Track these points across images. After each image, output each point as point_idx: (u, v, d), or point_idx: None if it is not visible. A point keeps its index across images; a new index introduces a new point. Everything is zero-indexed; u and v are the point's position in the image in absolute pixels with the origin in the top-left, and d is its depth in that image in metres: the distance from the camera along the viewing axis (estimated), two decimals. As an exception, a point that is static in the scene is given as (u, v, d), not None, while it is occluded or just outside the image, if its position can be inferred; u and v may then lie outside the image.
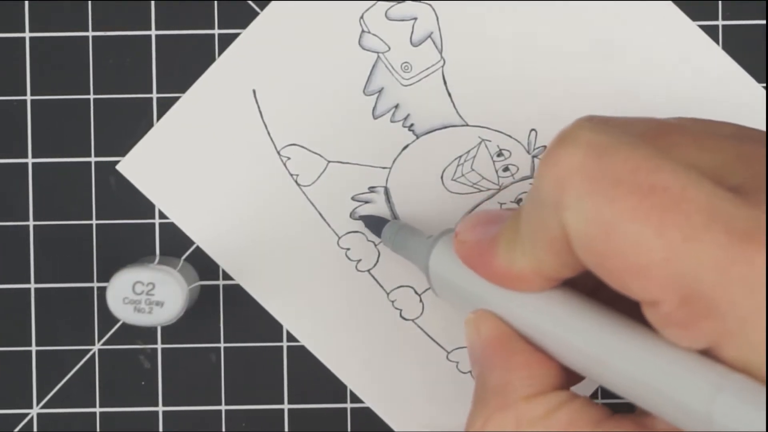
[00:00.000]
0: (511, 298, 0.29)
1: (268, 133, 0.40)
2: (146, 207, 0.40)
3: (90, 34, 0.39)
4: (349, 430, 0.40)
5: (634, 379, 0.26)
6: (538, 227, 0.27)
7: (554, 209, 0.26)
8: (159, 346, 0.40)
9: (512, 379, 0.28)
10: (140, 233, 0.40)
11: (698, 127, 0.28)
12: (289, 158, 0.40)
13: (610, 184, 0.25)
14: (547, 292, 0.29)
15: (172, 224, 0.40)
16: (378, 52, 0.39)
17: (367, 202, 0.40)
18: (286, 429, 0.40)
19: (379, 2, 0.39)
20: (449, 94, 0.39)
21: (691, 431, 0.24)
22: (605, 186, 0.25)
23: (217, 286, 0.40)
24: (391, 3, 0.39)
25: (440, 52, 0.39)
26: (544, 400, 0.27)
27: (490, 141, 0.40)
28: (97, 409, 0.40)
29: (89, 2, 0.39)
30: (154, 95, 0.40)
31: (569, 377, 0.29)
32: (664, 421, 0.26)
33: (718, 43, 0.39)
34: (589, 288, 0.29)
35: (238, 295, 0.40)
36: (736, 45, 0.39)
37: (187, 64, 0.39)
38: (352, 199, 0.40)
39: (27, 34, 0.39)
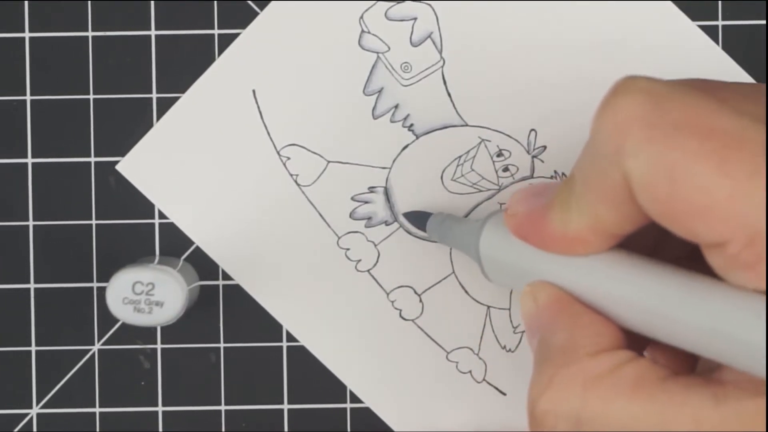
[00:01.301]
0: (568, 264, 0.29)
1: (268, 133, 0.40)
2: (146, 207, 0.40)
3: (90, 34, 0.39)
4: (348, 430, 0.40)
5: (704, 328, 0.26)
6: (596, 181, 0.27)
7: (614, 158, 0.26)
8: (159, 346, 0.40)
9: (576, 338, 0.28)
10: (140, 233, 0.40)
11: (742, 85, 0.29)
12: (289, 158, 0.40)
13: (670, 128, 0.25)
14: (603, 254, 0.28)
15: (172, 224, 0.40)
16: (378, 52, 0.39)
17: (367, 202, 0.40)
18: (286, 429, 0.40)
19: (379, 2, 0.39)
20: (449, 94, 0.39)
21: (764, 376, 0.24)
22: (666, 131, 0.25)
23: (217, 286, 0.40)
24: (391, 3, 0.39)
25: (440, 52, 0.39)
26: (609, 356, 0.27)
27: (490, 141, 0.40)
28: (97, 409, 0.40)
29: (89, 2, 0.39)
30: (154, 95, 0.40)
31: (630, 342, 0.28)
32: (732, 372, 0.26)
33: (718, 43, 0.39)
34: (646, 250, 0.29)
35: (238, 295, 0.40)
36: (736, 45, 0.39)
37: (187, 64, 0.39)
38: (352, 199, 0.40)
39: (27, 34, 0.39)
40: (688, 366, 0.29)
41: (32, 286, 0.40)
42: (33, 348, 0.40)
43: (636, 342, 0.29)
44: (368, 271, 0.40)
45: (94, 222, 0.40)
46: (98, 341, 0.40)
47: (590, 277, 0.29)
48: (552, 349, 0.28)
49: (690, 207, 0.25)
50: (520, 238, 0.30)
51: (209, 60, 0.39)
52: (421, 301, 0.40)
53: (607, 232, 0.28)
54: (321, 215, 0.40)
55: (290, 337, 0.40)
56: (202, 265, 0.40)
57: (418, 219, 0.39)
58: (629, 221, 0.27)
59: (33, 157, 0.40)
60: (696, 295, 0.26)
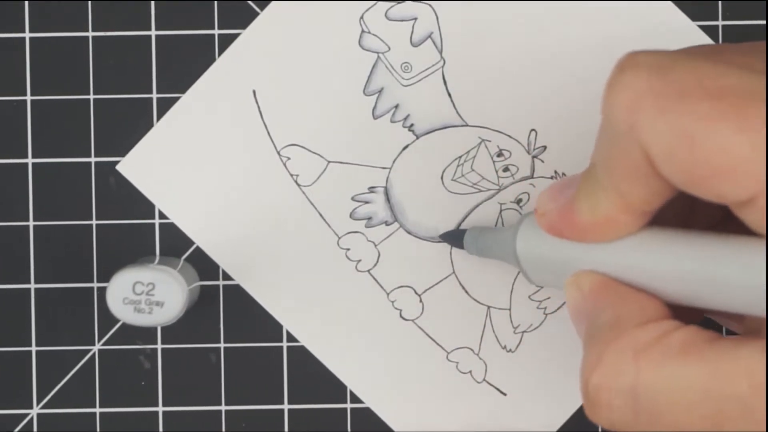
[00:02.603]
0: (605, 250, 0.29)
1: (268, 133, 0.40)
2: (146, 207, 0.40)
3: (90, 34, 0.39)
4: (349, 430, 0.40)
5: (748, 286, 0.26)
6: (617, 161, 0.27)
7: (631, 136, 0.26)
8: (159, 346, 0.40)
9: (623, 313, 0.28)
10: (140, 233, 0.40)
11: (741, 45, 0.29)
12: (289, 158, 0.40)
13: (680, 96, 0.25)
14: (637, 234, 0.29)
15: (172, 224, 0.40)
16: (378, 53, 0.39)
17: (367, 202, 0.40)
18: (286, 429, 0.40)
19: (379, 2, 0.39)
20: (449, 94, 0.39)
21: None
22: (676, 99, 0.25)
23: (217, 286, 0.40)
24: (391, 3, 0.39)
25: (440, 52, 0.39)
26: (656, 326, 0.27)
27: (490, 141, 0.40)
28: (97, 409, 0.40)
29: (89, 2, 0.39)
30: (154, 95, 0.40)
31: (676, 315, 0.29)
32: None
33: (718, 43, 0.39)
34: (679, 224, 0.30)
35: (238, 295, 0.40)
36: (736, 45, 0.39)
37: (187, 64, 0.39)
38: (352, 199, 0.40)
39: (27, 34, 0.39)
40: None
41: (32, 286, 0.40)
42: (33, 348, 0.40)
43: (681, 319, 0.29)
44: (368, 271, 0.40)
45: (94, 222, 0.40)
46: (98, 341, 0.40)
47: (629, 257, 0.29)
48: (599, 328, 0.28)
49: (713, 169, 0.25)
50: (555, 235, 0.31)
51: (209, 60, 0.39)
52: (421, 301, 0.40)
53: (637, 210, 0.28)
54: (321, 215, 0.40)
55: (290, 337, 0.40)
56: (202, 265, 0.40)
57: (454, 237, 0.39)
58: (656, 195, 0.27)
59: (33, 157, 0.40)
60: (733, 254, 0.26)
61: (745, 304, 0.26)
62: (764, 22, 0.39)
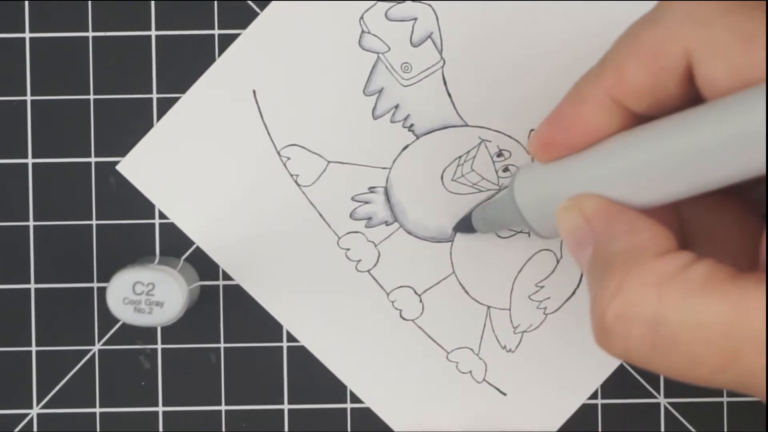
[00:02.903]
0: (599, 163, 0.29)
1: (268, 133, 0.40)
2: (146, 207, 0.40)
3: (90, 34, 0.39)
4: (349, 430, 0.40)
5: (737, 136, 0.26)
6: (642, 47, 0.27)
7: (679, 29, 0.26)
8: (159, 346, 0.40)
9: (639, 241, 0.28)
10: (140, 233, 0.40)
11: None
12: (289, 158, 0.40)
13: (748, 6, 0.26)
14: (622, 133, 0.29)
15: (172, 224, 0.40)
16: (378, 53, 0.39)
17: (367, 202, 0.40)
18: (286, 429, 0.40)
19: (379, 2, 0.39)
20: (449, 94, 0.39)
21: None
22: (744, 7, 0.26)
23: (217, 286, 0.40)
24: (391, 3, 0.39)
25: (440, 52, 0.39)
26: (676, 257, 0.27)
27: (490, 141, 0.40)
28: (97, 409, 0.40)
29: (89, 2, 0.39)
30: (154, 95, 0.40)
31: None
32: None
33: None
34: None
35: (238, 295, 0.40)
36: (736, 45, 0.39)
37: (187, 64, 0.39)
38: (352, 199, 0.40)
39: (27, 34, 0.39)
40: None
41: (32, 286, 0.40)
42: (33, 348, 0.40)
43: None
44: (368, 271, 0.40)
45: (94, 222, 0.40)
46: (98, 341, 0.40)
47: (622, 157, 0.28)
48: (614, 255, 0.28)
49: (762, 72, 0.25)
50: (546, 149, 0.30)
51: (209, 60, 0.39)
52: (421, 301, 0.40)
53: (630, 95, 0.28)
54: (321, 215, 0.40)
55: (290, 337, 0.40)
56: (202, 265, 0.40)
57: (465, 225, 0.39)
58: (655, 91, 0.28)
59: (33, 157, 0.40)
60: (733, 104, 0.26)
61: (737, 168, 0.26)
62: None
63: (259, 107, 0.39)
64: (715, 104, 0.26)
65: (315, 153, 0.40)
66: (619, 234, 0.28)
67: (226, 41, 0.39)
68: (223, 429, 0.40)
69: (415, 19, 0.39)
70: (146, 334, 0.40)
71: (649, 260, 0.27)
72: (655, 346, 0.27)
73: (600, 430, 0.40)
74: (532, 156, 0.31)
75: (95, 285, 0.40)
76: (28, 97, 0.39)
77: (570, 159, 0.30)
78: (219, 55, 0.39)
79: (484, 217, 0.37)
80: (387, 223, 0.40)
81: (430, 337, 0.40)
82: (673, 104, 0.28)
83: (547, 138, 0.31)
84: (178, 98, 0.39)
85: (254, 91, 0.39)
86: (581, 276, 0.40)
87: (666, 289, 0.26)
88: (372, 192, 0.40)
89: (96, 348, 0.40)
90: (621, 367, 0.40)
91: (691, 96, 0.28)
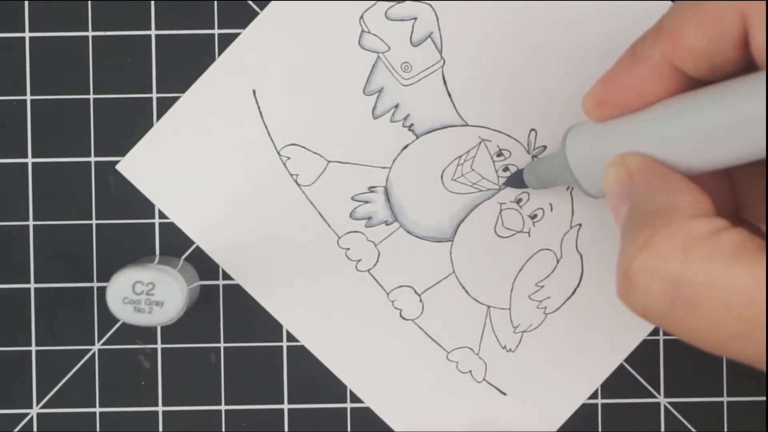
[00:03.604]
0: (650, 124, 0.29)
1: (268, 133, 0.40)
2: (146, 207, 0.40)
3: (90, 34, 0.39)
4: (349, 430, 0.40)
5: None
6: (705, 6, 0.28)
7: None
8: (159, 346, 0.40)
9: (677, 201, 0.28)
10: (140, 233, 0.40)
11: None
12: (289, 158, 0.40)
13: None
14: (674, 97, 0.29)
15: (172, 224, 0.40)
16: (378, 52, 0.39)
17: (367, 202, 0.40)
18: (286, 429, 0.40)
19: (379, 2, 0.39)
20: (449, 94, 0.39)
21: None
22: None
23: (217, 286, 0.40)
24: (391, 3, 0.39)
25: (440, 52, 0.39)
26: (708, 221, 0.27)
27: (490, 141, 0.40)
28: (97, 409, 0.40)
29: (89, 2, 0.39)
30: (154, 95, 0.40)
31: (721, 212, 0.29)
32: None
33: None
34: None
35: (238, 295, 0.40)
36: (736, 45, 0.39)
37: (187, 64, 0.39)
38: (352, 199, 0.40)
39: (27, 34, 0.39)
40: None
41: (32, 286, 0.40)
42: (33, 348, 0.40)
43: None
44: (368, 271, 0.40)
45: (94, 222, 0.40)
46: (98, 341, 0.40)
47: (674, 121, 0.29)
48: (650, 211, 0.28)
49: None
50: (600, 108, 0.31)
51: (209, 60, 0.40)
52: (421, 301, 0.40)
53: (687, 57, 0.28)
54: (321, 215, 0.40)
55: (290, 337, 0.40)
56: (202, 265, 0.40)
57: (516, 180, 0.39)
58: (709, 57, 0.28)
59: (33, 157, 0.40)
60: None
61: None
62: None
63: (259, 107, 0.39)
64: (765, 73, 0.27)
65: (315, 153, 0.40)
66: (658, 192, 0.28)
67: (226, 41, 0.39)
68: (223, 429, 0.40)
69: (415, 18, 0.39)
70: (146, 333, 0.40)
71: (682, 220, 0.27)
72: (674, 304, 0.27)
73: (600, 430, 0.40)
74: (585, 114, 0.32)
75: (95, 285, 0.40)
76: (28, 97, 0.39)
77: (622, 119, 0.31)
78: (219, 55, 0.39)
79: (536, 173, 0.37)
80: (387, 223, 0.40)
81: (430, 336, 0.40)
82: (729, 69, 0.29)
83: (601, 97, 0.31)
84: (178, 98, 0.39)
85: (254, 91, 0.39)
86: (581, 276, 0.40)
87: (693, 250, 0.26)
88: (372, 192, 0.40)
89: (96, 348, 0.40)
90: (621, 367, 0.40)
91: (747, 61, 0.28)
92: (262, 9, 0.39)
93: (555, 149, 0.39)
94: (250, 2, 0.39)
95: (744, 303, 0.26)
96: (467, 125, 0.40)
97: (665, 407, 0.40)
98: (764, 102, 0.26)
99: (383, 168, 0.40)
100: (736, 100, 0.27)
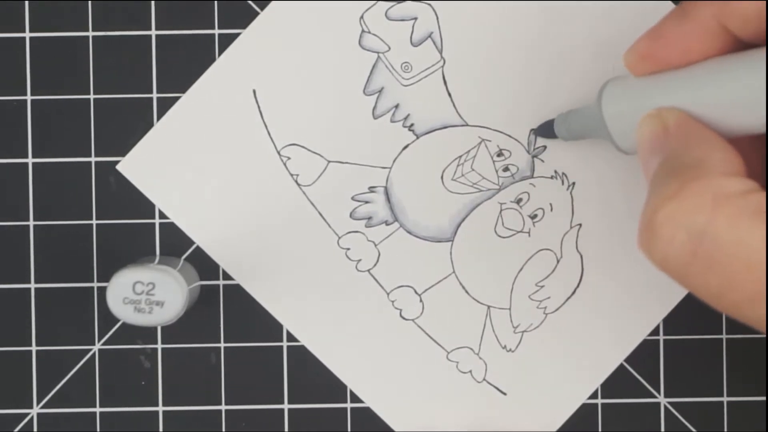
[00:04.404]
0: (691, 80, 0.29)
1: (268, 133, 0.40)
2: (146, 207, 0.40)
3: (90, 34, 0.39)
4: (349, 430, 0.40)
5: None
6: None
7: None
8: (159, 346, 0.40)
9: (710, 157, 0.28)
10: (140, 233, 0.40)
11: None
12: (289, 158, 0.40)
13: None
14: (716, 58, 0.29)
15: (172, 224, 0.40)
16: (378, 52, 0.39)
17: (367, 202, 0.40)
18: (286, 429, 0.40)
19: (379, 2, 0.39)
20: (449, 94, 0.39)
21: None
22: None
23: (217, 286, 0.40)
24: (391, 3, 0.39)
25: (440, 52, 0.39)
26: (740, 180, 0.27)
27: (490, 141, 0.40)
28: (97, 409, 0.40)
29: (89, 2, 0.39)
30: (154, 95, 0.40)
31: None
32: None
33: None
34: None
35: (238, 295, 0.40)
36: (735, 45, 0.39)
37: (187, 64, 0.39)
38: (352, 199, 0.40)
39: (27, 34, 0.39)
40: None
41: (32, 286, 0.40)
42: (33, 348, 0.40)
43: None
44: (368, 271, 0.40)
45: (94, 222, 0.40)
46: (98, 341, 0.40)
47: (715, 84, 0.29)
48: (682, 164, 0.28)
49: None
50: (643, 62, 0.31)
51: (209, 60, 0.40)
52: (421, 301, 0.40)
53: (730, 22, 0.28)
54: (321, 215, 0.40)
55: (290, 337, 0.40)
56: (202, 265, 0.40)
57: (546, 129, 0.39)
58: (759, 21, 0.28)
59: (33, 157, 0.40)
60: None
61: None
62: (764, 22, 0.39)
63: (259, 107, 0.39)
64: None
65: (315, 153, 0.40)
66: (692, 147, 0.28)
67: (226, 41, 0.39)
68: (223, 429, 0.40)
69: (415, 18, 0.39)
70: (146, 333, 0.40)
71: (714, 176, 0.27)
72: (695, 257, 0.26)
73: (600, 430, 0.40)
74: (626, 67, 0.32)
75: (95, 285, 0.40)
76: (28, 97, 0.39)
77: (664, 74, 0.31)
78: (219, 55, 0.39)
79: (567, 124, 0.37)
80: (387, 223, 0.40)
81: (430, 336, 0.40)
82: None
83: (646, 51, 0.31)
84: (178, 98, 0.39)
85: (254, 91, 0.39)
86: (581, 276, 0.40)
87: (721, 206, 0.26)
88: (372, 191, 0.40)
89: (96, 348, 0.40)
90: (621, 367, 0.40)
91: None
92: (262, 9, 0.39)
93: (559, 146, 0.39)
94: (250, 2, 0.39)
95: (763, 264, 0.25)
96: (467, 125, 0.40)
97: (665, 407, 0.40)
98: None
99: (383, 168, 0.40)
100: None
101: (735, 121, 0.29)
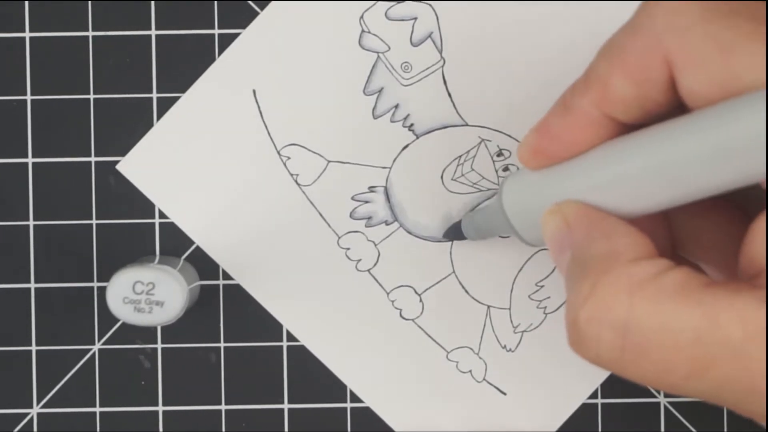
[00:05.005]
0: (588, 169, 0.29)
1: (268, 133, 0.40)
2: (146, 207, 0.40)
3: (90, 34, 0.39)
4: (349, 430, 0.40)
5: (753, 138, 0.25)
6: (625, 56, 0.28)
7: (661, 36, 0.27)
8: (159, 346, 0.40)
9: (616, 246, 0.27)
10: (140, 233, 0.40)
11: None
12: (289, 158, 0.40)
13: (728, 11, 0.26)
14: (609, 142, 0.29)
15: (172, 224, 0.40)
16: (378, 52, 0.39)
17: (367, 202, 0.40)
18: (286, 429, 0.40)
19: (379, 2, 0.39)
20: (449, 94, 0.39)
21: None
22: (723, 13, 0.26)
23: (217, 286, 0.40)
24: (391, 3, 0.39)
25: (440, 52, 0.39)
26: (651, 263, 0.27)
27: (490, 141, 0.40)
28: (97, 409, 0.40)
29: (89, 2, 0.39)
30: (154, 95, 0.40)
31: (662, 251, 0.29)
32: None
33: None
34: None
35: (238, 295, 0.40)
36: (735, 45, 0.39)
37: (187, 64, 0.39)
38: (352, 198, 0.40)
39: (27, 34, 0.39)
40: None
41: (32, 286, 0.40)
42: (33, 348, 0.40)
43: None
44: (368, 270, 0.40)
45: (94, 222, 0.40)
46: (98, 341, 0.40)
47: (610, 165, 0.29)
48: (591, 259, 0.28)
49: (742, 83, 0.25)
50: (534, 157, 0.31)
51: (209, 60, 0.40)
52: (421, 300, 0.40)
53: (616, 106, 0.28)
54: (321, 215, 0.40)
55: (290, 337, 0.40)
56: (202, 265, 0.40)
57: (455, 231, 0.39)
58: (641, 101, 0.28)
59: (33, 157, 0.40)
60: (732, 111, 0.26)
61: (748, 166, 0.26)
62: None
63: (259, 107, 0.39)
64: (698, 115, 0.26)
65: (315, 152, 0.40)
66: (596, 238, 0.28)
67: (226, 41, 0.39)
68: (223, 429, 0.40)
69: (415, 18, 0.39)
70: (146, 333, 0.40)
71: (624, 265, 0.27)
72: (625, 350, 0.26)
73: (600, 430, 0.40)
74: (520, 162, 0.31)
75: (95, 285, 0.40)
76: (28, 97, 0.39)
77: (557, 167, 0.30)
78: (219, 54, 0.39)
79: (473, 224, 0.37)
80: (387, 223, 0.40)
81: (430, 336, 0.40)
82: (661, 111, 0.28)
83: (535, 146, 0.31)
84: (178, 98, 0.40)
85: (254, 91, 0.40)
86: (581, 276, 0.40)
87: (638, 295, 0.26)
88: (372, 191, 0.40)
89: (96, 347, 0.40)
90: (621, 367, 0.40)
91: (678, 103, 0.28)
92: (262, 9, 0.39)
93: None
94: (250, 2, 0.39)
95: (693, 342, 0.25)
96: (467, 125, 0.40)
97: (665, 407, 0.40)
98: (693, 146, 0.26)
99: (383, 168, 0.40)
100: (665, 144, 0.27)
101: (632, 203, 0.28)
